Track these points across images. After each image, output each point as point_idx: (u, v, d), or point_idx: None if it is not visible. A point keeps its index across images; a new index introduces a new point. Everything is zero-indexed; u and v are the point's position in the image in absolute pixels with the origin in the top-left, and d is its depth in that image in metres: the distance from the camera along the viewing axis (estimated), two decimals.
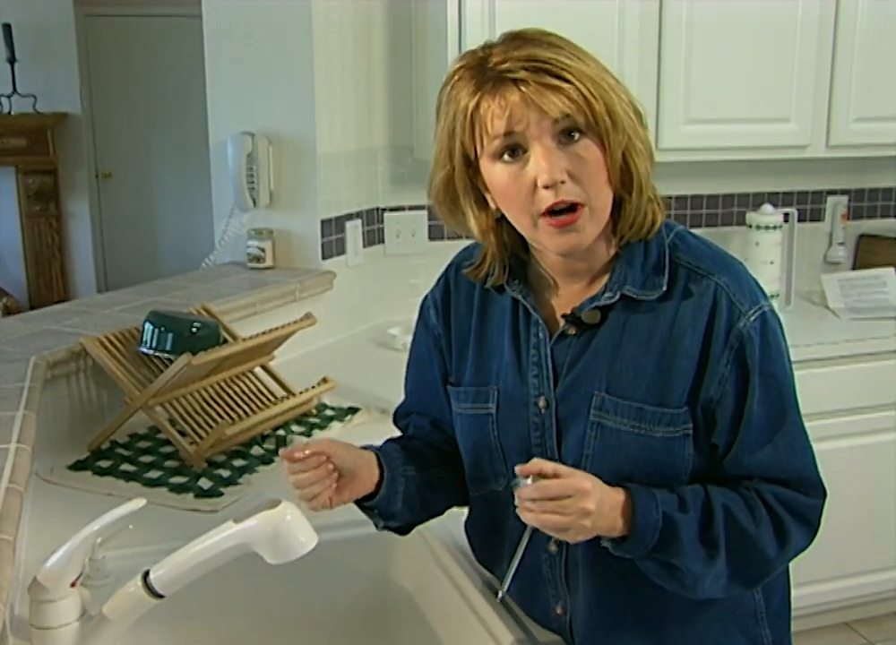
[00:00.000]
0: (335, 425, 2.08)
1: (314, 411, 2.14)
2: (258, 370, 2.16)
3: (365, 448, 1.29)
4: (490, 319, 1.29)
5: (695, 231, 1.28)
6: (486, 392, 1.28)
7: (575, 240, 1.13)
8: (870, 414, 2.84)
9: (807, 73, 2.86)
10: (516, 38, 1.13)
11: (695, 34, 2.74)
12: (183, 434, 1.89)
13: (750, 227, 3.04)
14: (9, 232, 6.38)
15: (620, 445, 1.18)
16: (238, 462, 1.88)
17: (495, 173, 1.14)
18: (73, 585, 1.14)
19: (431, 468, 1.36)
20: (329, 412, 2.16)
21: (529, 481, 1.08)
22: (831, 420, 2.76)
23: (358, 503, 1.30)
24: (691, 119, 2.72)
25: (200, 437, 1.87)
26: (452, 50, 2.54)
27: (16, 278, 6.41)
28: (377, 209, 2.90)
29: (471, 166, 1.17)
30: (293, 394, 2.10)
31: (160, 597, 1.09)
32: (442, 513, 1.42)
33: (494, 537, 1.34)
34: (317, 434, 2.02)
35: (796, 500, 1.19)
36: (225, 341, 2.06)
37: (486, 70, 1.10)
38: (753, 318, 1.16)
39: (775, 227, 3.02)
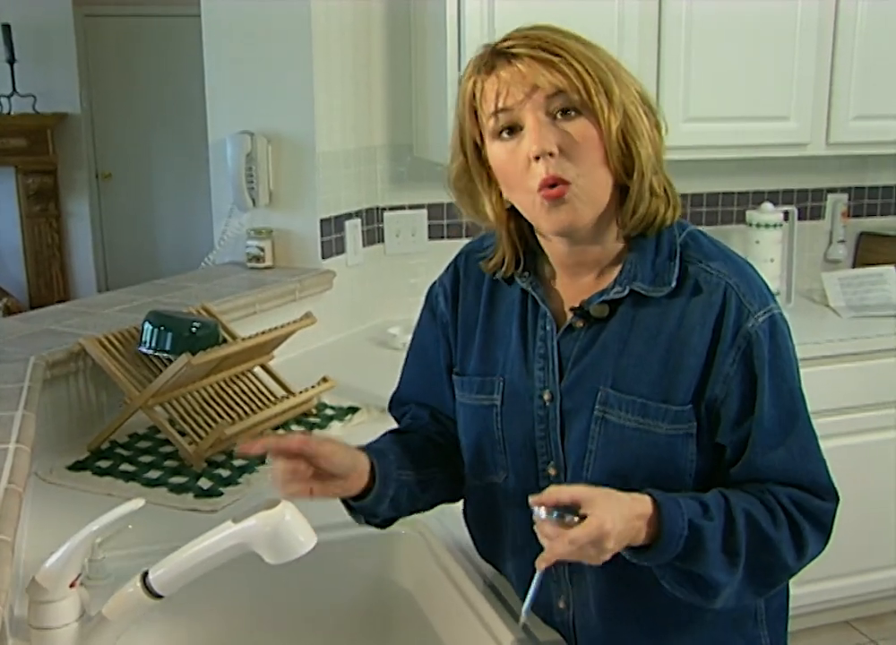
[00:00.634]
0: (335, 424, 2.07)
1: (314, 411, 2.14)
2: (258, 370, 2.16)
3: (364, 447, 1.28)
4: (498, 309, 1.29)
5: None
6: (492, 383, 1.28)
7: (567, 217, 1.13)
8: (871, 412, 2.84)
9: (807, 71, 2.86)
10: (530, 29, 1.15)
11: (694, 32, 2.73)
12: (182, 433, 1.89)
13: (750, 225, 3.05)
14: (9, 232, 6.37)
15: (623, 441, 1.17)
16: (238, 462, 1.88)
17: (495, 151, 1.15)
18: (72, 585, 1.14)
19: (426, 468, 1.35)
20: (329, 411, 2.16)
21: (542, 512, 1.05)
22: (831, 418, 2.75)
23: (343, 500, 1.29)
24: (690, 117, 2.72)
25: (199, 437, 1.87)
26: (451, 49, 2.54)
27: (16, 278, 6.41)
28: (377, 208, 2.90)
29: (481, 152, 1.18)
30: (293, 394, 2.10)
31: (159, 597, 1.08)
32: (429, 510, 1.42)
33: (493, 528, 1.34)
34: (317, 433, 2.02)
35: (812, 504, 1.18)
36: (224, 341, 2.05)
37: (488, 52, 1.14)
38: (761, 319, 1.16)
39: (775, 226, 3.02)
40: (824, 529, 1.20)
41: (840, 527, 2.90)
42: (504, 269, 1.26)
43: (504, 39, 1.13)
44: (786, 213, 3.08)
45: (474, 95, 1.15)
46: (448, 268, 1.37)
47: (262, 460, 1.88)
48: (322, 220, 2.65)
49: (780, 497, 1.16)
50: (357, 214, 2.81)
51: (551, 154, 1.10)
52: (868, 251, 3.44)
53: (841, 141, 2.97)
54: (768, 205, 3.06)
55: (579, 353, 1.21)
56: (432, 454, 1.37)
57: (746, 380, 1.15)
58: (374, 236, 2.90)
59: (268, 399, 2.09)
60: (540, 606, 1.32)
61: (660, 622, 1.25)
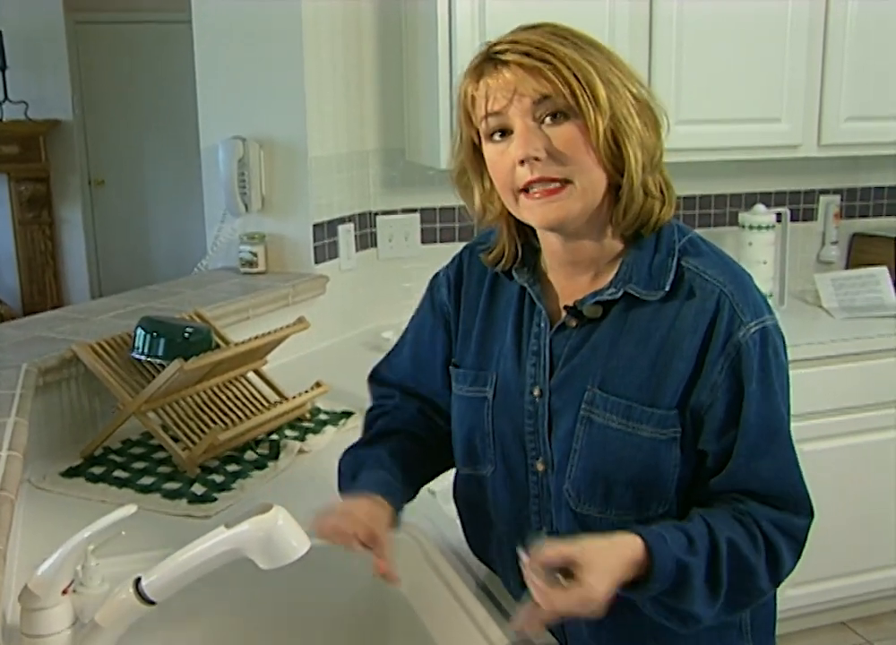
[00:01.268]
0: (329, 429, 2.07)
1: (308, 415, 2.13)
2: (251, 375, 2.15)
3: (377, 489, 1.31)
4: (498, 304, 1.31)
5: None
6: (486, 376, 1.30)
7: (556, 213, 1.14)
8: (864, 413, 2.85)
9: (798, 72, 2.86)
10: (525, 29, 1.16)
11: (685, 35, 2.74)
12: (176, 439, 1.88)
13: (743, 227, 3.05)
14: (2, 239, 6.37)
15: (606, 442, 1.18)
16: (232, 467, 1.87)
17: (488, 152, 1.18)
18: (64, 592, 1.13)
19: (413, 471, 1.39)
20: (323, 416, 2.15)
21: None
22: (824, 420, 2.76)
23: None
24: (682, 120, 2.72)
25: (193, 443, 1.87)
26: (442, 51, 2.54)
27: (9, 285, 6.40)
28: (370, 212, 2.90)
29: (478, 151, 1.21)
30: (286, 399, 2.10)
31: (152, 603, 1.08)
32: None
33: (480, 517, 1.35)
34: (311, 438, 2.02)
35: (790, 523, 1.18)
36: (217, 346, 2.05)
37: (485, 54, 1.16)
38: (753, 330, 1.15)
39: (768, 227, 3.02)
40: (799, 546, 1.20)
41: (836, 527, 2.92)
42: (503, 262, 1.28)
43: (498, 43, 1.14)
44: (778, 215, 3.08)
45: (467, 96, 1.18)
46: (453, 260, 1.40)
47: (255, 465, 1.88)
48: (314, 225, 2.65)
49: (760, 520, 1.16)
50: (350, 219, 2.80)
51: (537, 159, 1.12)
52: (861, 252, 3.44)
53: (833, 143, 2.98)
54: (760, 207, 3.06)
55: (570, 352, 1.22)
56: (417, 456, 1.40)
57: (733, 389, 1.15)
58: (366, 240, 2.90)
59: (261, 404, 2.08)
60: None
61: (644, 629, 1.24)
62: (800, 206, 3.39)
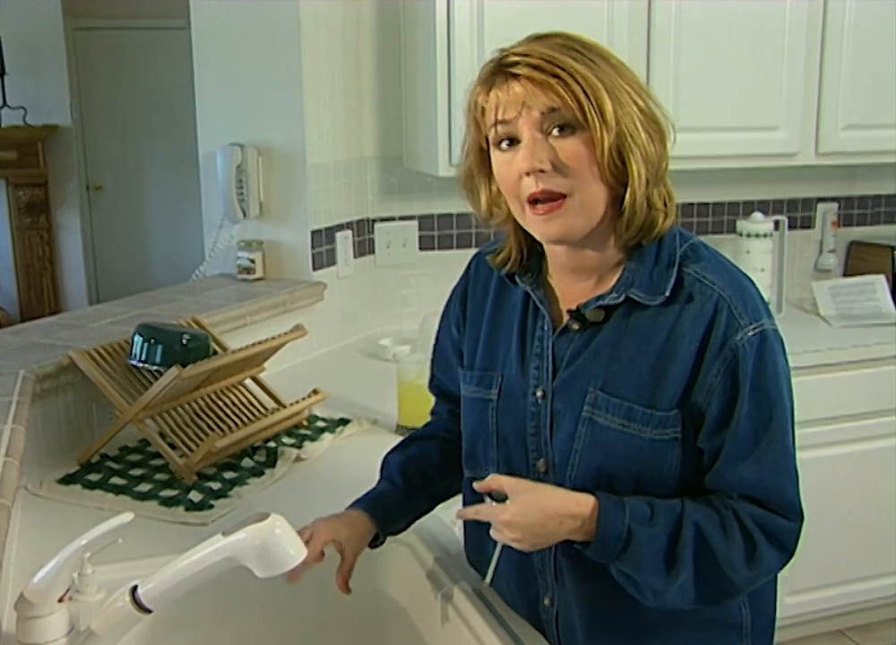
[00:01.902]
0: (326, 436, 2.07)
1: (305, 423, 2.13)
2: (248, 382, 2.15)
3: (366, 502, 1.44)
4: (504, 308, 1.34)
5: None
6: (491, 377, 1.33)
7: (558, 228, 1.17)
8: (862, 421, 2.84)
9: (796, 81, 2.87)
10: (537, 39, 1.18)
11: (683, 44, 2.74)
12: (173, 446, 1.88)
13: (740, 235, 3.05)
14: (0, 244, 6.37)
15: (608, 443, 1.21)
16: (229, 475, 1.87)
17: (495, 160, 1.20)
18: (60, 600, 1.13)
19: (438, 482, 1.49)
20: (320, 423, 2.15)
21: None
22: (821, 428, 2.76)
23: None
24: (680, 128, 2.67)
25: (190, 450, 1.86)
26: (440, 59, 2.54)
27: (7, 290, 6.40)
28: (367, 219, 2.90)
29: (486, 155, 1.23)
30: (283, 406, 2.10)
31: (148, 611, 1.08)
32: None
33: (482, 525, 1.34)
34: (308, 445, 2.01)
35: (774, 522, 1.19)
36: (215, 353, 2.05)
37: (496, 65, 1.17)
38: (750, 333, 1.17)
39: (765, 235, 3.02)
40: (785, 549, 1.21)
41: (832, 536, 2.92)
42: (510, 264, 1.30)
43: (509, 54, 1.16)
44: (776, 223, 3.09)
45: (477, 106, 1.20)
46: (464, 270, 1.44)
47: (252, 472, 1.88)
48: (312, 232, 2.65)
49: (742, 514, 1.18)
50: (348, 225, 2.80)
51: (542, 171, 1.14)
52: (858, 260, 3.44)
53: (831, 151, 2.98)
54: (758, 215, 3.07)
55: (572, 354, 1.25)
56: (444, 465, 1.49)
57: (729, 391, 1.17)
58: (364, 247, 2.90)
59: (259, 411, 2.08)
60: (526, 604, 1.36)
61: (638, 629, 1.28)
62: (798, 214, 3.39)
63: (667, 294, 1.20)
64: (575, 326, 1.25)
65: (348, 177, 2.78)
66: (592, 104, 1.12)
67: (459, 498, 1.49)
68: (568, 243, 1.21)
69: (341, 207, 2.77)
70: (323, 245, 2.69)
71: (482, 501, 1.24)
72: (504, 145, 1.18)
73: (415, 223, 2.95)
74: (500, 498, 1.19)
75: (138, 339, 1.94)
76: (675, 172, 1.26)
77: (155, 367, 1.93)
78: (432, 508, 1.51)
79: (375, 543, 1.44)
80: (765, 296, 2.94)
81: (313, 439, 2.06)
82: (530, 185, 1.15)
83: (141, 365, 1.94)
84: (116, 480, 1.84)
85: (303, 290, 2.60)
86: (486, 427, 1.33)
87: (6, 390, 1.77)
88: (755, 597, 1.32)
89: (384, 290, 2.95)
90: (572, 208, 1.16)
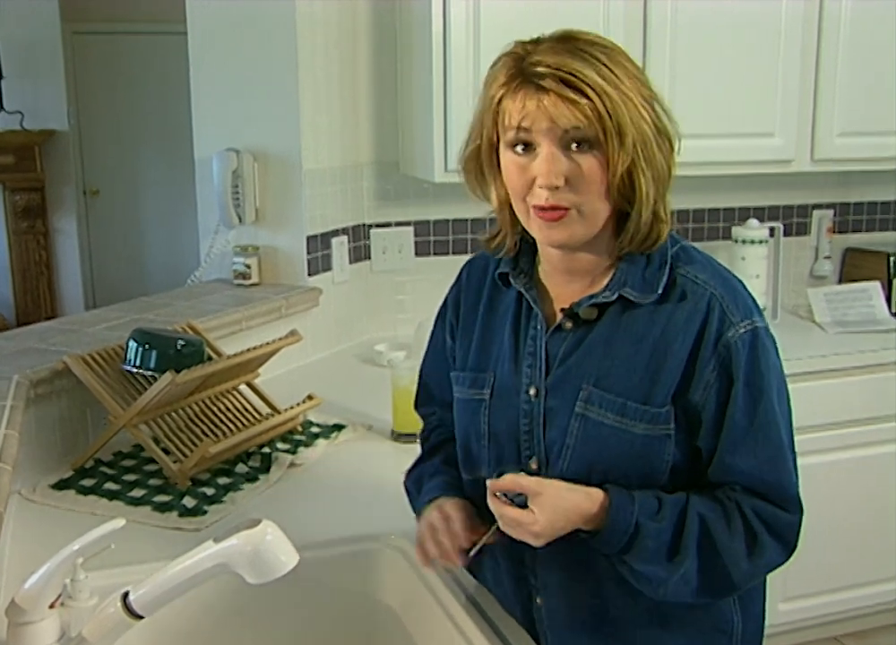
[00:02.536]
0: (321, 442, 2.07)
1: (300, 428, 2.13)
2: (243, 387, 2.15)
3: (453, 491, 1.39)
4: (496, 310, 1.36)
5: None
6: (484, 378, 1.35)
7: (560, 236, 1.21)
8: (857, 427, 2.85)
9: (791, 88, 2.88)
10: (563, 41, 1.19)
11: (679, 50, 2.75)
12: (167, 452, 1.88)
13: (736, 241, 3.05)
14: None
15: (601, 438, 1.23)
16: (223, 480, 1.87)
17: (507, 160, 1.22)
18: (51, 606, 1.13)
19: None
20: (315, 429, 2.15)
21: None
22: (817, 434, 2.76)
23: None
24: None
25: (184, 455, 1.86)
26: (437, 63, 2.55)
27: (3, 295, 6.39)
28: (363, 225, 2.90)
29: (494, 146, 1.24)
30: (278, 411, 2.09)
31: (140, 617, 1.07)
32: None
33: (479, 523, 1.37)
34: (302, 451, 2.01)
35: (774, 515, 1.22)
36: (210, 359, 2.05)
37: (522, 66, 1.17)
38: (742, 330, 1.21)
39: (761, 242, 3.03)
40: (786, 542, 1.24)
41: (827, 542, 2.91)
42: (505, 250, 1.33)
43: (536, 61, 1.15)
44: (771, 229, 3.09)
45: (499, 102, 1.20)
46: (459, 273, 1.47)
47: (246, 478, 1.88)
48: (308, 237, 2.65)
49: (744, 507, 1.21)
50: (344, 231, 2.81)
51: (556, 187, 1.17)
52: (854, 266, 3.45)
53: (826, 158, 2.99)
54: (753, 221, 3.07)
55: (566, 352, 1.27)
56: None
57: (724, 388, 1.21)
58: (360, 253, 2.90)
59: (253, 416, 2.08)
60: (520, 604, 1.38)
61: (624, 628, 1.30)
62: (793, 220, 3.40)
63: (660, 292, 1.23)
64: (569, 324, 1.27)
65: (343, 183, 2.78)
66: (615, 129, 1.15)
67: None
68: (568, 248, 1.24)
69: (337, 213, 2.77)
70: (318, 251, 2.69)
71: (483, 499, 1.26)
72: (518, 149, 1.19)
73: (411, 229, 2.95)
74: (515, 498, 1.19)
75: (133, 344, 1.94)
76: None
77: (150, 373, 1.93)
78: None
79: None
80: (761, 302, 2.95)
81: (307, 445, 2.05)
82: (541, 197, 1.18)
83: (135, 370, 1.94)
84: (109, 485, 1.84)
85: (298, 296, 2.60)
86: (478, 427, 1.34)
87: (0, 395, 1.77)
88: (746, 603, 1.34)
89: (380, 296, 2.95)
90: (574, 218, 1.19)
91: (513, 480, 1.19)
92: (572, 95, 1.14)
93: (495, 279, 1.36)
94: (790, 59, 2.85)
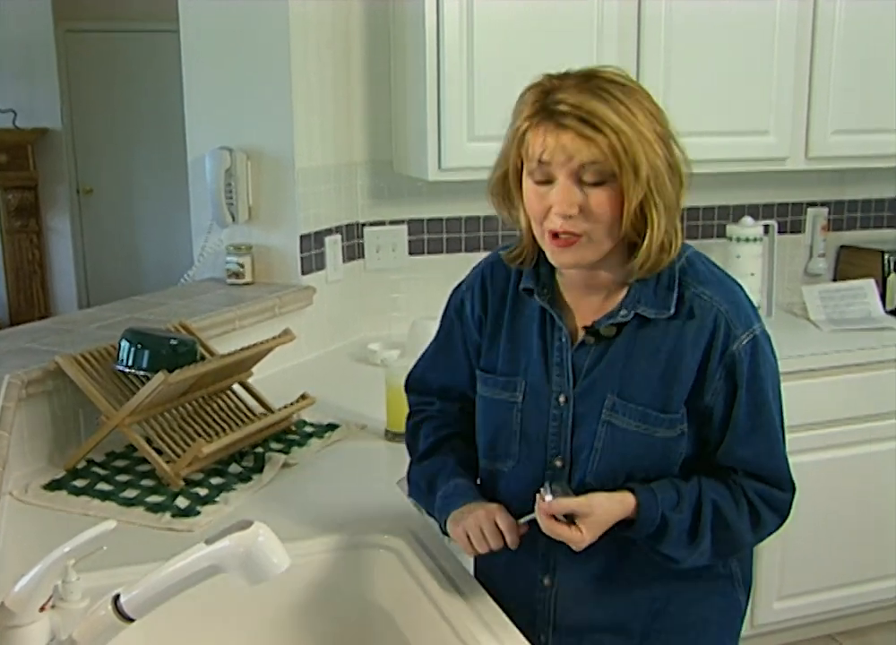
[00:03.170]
0: (314, 441, 2.06)
1: (294, 428, 2.12)
2: (237, 387, 2.14)
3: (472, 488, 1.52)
4: (521, 318, 1.47)
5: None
6: (515, 383, 1.46)
7: (570, 259, 1.33)
8: (851, 426, 2.85)
9: (785, 86, 2.87)
10: (586, 79, 1.29)
11: (673, 47, 2.74)
12: (160, 452, 1.87)
13: (730, 239, 3.05)
14: None
15: (626, 442, 1.38)
16: (216, 480, 1.86)
17: (527, 187, 1.33)
18: (42, 609, 1.12)
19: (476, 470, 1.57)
20: (308, 429, 2.14)
21: (549, 496, 1.32)
22: (810, 432, 2.76)
23: None
24: None
25: (177, 455, 1.85)
26: (430, 62, 2.54)
27: None
28: (357, 224, 2.89)
29: (519, 172, 1.35)
30: (271, 411, 2.09)
31: (131, 620, 1.07)
32: None
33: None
34: (296, 450, 2.01)
35: (772, 495, 1.41)
36: (203, 358, 2.04)
37: (546, 101, 1.28)
38: (745, 341, 1.36)
39: (755, 240, 3.03)
40: (781, 514, 1.43)
41: (822, 540, 2.90)
42: (524, 262, 1.44)
43: (560, 98, 1.26)
44: (766, 227, 3.09)
45: (523, 133, 1.30)
46: (474, 275, 1.55)
47: (240, 478, 1.87)
48: (301, 236, 2.64)
49: (747, 490, 1.40)
50: (337, 230, 2.80)
51: (570, 216, 1.28)
52: (848, 264, 3.44)
53: (821, 156, 2.98)
54: (748, 219, 3.07)
55: (590, 365, 1.41)
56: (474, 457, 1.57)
57: (730, 392, 1.37)
58: (354, 251, 2.89)
59: (246, 416, 2.07)
60: (522, 585, 1.51)
61: (646, 583, 1.46)
62: (788, 218, 3.39)
63: (673, 311, 1.36)
64: (591, 340, 1.40)
65: (337, 181, 2.78)
66: (629, 161, 1.25)
67: None
68: (579, 269, 1.37)
69: (331, 211, 2.76)
70: (312, 250, 2.68)
71: (495, 492, 1.47)
72: (538, 176, 1.30)
73: (404, 227, 2.94)
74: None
75: (125, 344, 1.93)
76: None
77: (142, 373, 1.92)
78: None
79: None
80: (755, 300, 2.97)
81: (301, 444, 2.05)
82: (556, 223, 1.29)
83: (128, 370, 1.93)
84: (102, 486, 1.83)
85: (292, 295, 2.59)
86: (510, 426, 1.47)
87: None
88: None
89: (374, 295, 2.94)
90: (584, 244, 1.31)
91: (567, 505, 1.32)
92: (589, 133, 1.24)
93: (518, 290, 1.46)
94: (785, 57, 2.85)
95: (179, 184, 3.88)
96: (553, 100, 1.26)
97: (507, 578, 1.51)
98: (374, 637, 1.58)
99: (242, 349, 2.04)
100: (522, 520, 1.39)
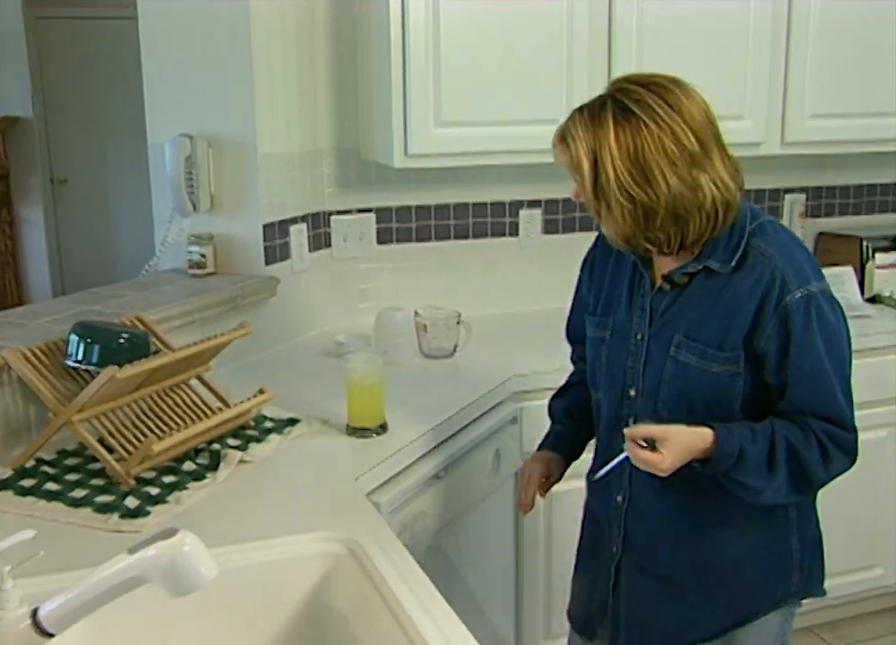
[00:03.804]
0: (273, 437, 1.99)
1: (253, 423, 2.06)
2: (194, 382, 2.07)
3: (553, 442, 1.97)
4: (619, 271, 1.76)
5: None
6: (606, 322, 1.75)
7: (604, 232, 1.62)
8: None
9: (761, 68, 2.81)
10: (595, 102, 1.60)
11: (646, 32, 2.68)
12: (111, 450, 1.81)
13: None
14: None
15: (687, 375, 1.61)
16: (169, 479, 1.80)
17: None
18: None
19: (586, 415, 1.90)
20: (268, 424, 2.07)
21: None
22: None
23: None
24: None
25: (129, 453, 1.79)
26: (395, 50, 2.47)
27: None
28: (323, 212, 2.82)
29: None
30: (228, 406, 2.02)
31: (51, 635, 1.00)
32: None
33: (593, 423, 1.86)
34: (253, 447, 1.94)
35: (837, 434, 1.57)
36: (156, 352, 1.97)
37: None
38: (798, 295, 1.53)
39: None
40: (848, 452, 1.59)
41: None
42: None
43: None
44: None
45: None
46: (595, 240, 1.85)
47: (193, 476, 1.81)
48: (265, 225, 2.56)
49: (815, 428, 1.56)
50: (303, 219, 2.73)
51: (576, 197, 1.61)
52: (827, 251, 3.39)
53: (797, 141, 2.93)
54: None
55: (664, 308, 1.65)
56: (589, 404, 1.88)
57: (783, 339, 1.54)
58: (320, 241, 2.82)
59: (203, 412, 2.01)
60: (600, 499, 1.82)
61: (706, 525, 1.69)
62: (765, 204, 3.33)
63: (734, 264, 1.57)
64: (666, 286, 1.65)
65: (302, 169, 2.70)
66: (584, 162, 1.54)
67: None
68: (615, 243, 1.62)
69: (296, 199, 2.69)
70: (276, 239, 2.61)
71: (598, 418, 1.81)
72: None
73: (372, 216, 2.88)
74: (647, 441, 1.53)
75: (74, 338, 1.86)
76: None
77: (93, 368, 1.85)
78: (592, 435, 1.89)
79: (562, 471, 1.94)
80: None
81: (259, 440, 1.98)
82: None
83: (77, 365, 1.86)
84: (50, 486, 1.76)
85: (255, 285, 2.52)
86: (600, 359, 1.75)
87: None
88: (800, 521, 1.72)
89: (342, 285, 2.87)
90: (602, 221, 1.59)
91: (646, 430, 1.54)
92: (560, 144, 1.60)
93: (620, 251, 1.72)
94: (760, 39, 2.79)
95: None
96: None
97: (592, 496, 1.87)
98: (327, 638, 1.53)
99: (196, 343, 1.97)
100: (603, 471, 1.64)
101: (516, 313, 2.99)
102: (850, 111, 2.94)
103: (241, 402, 2.00)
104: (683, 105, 1.56)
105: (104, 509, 1.67)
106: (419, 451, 2.03)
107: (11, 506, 1.69)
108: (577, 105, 1.60)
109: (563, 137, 1.56)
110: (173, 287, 2.49)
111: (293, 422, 2.08)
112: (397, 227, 2.90)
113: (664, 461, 1.51)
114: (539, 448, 1.96)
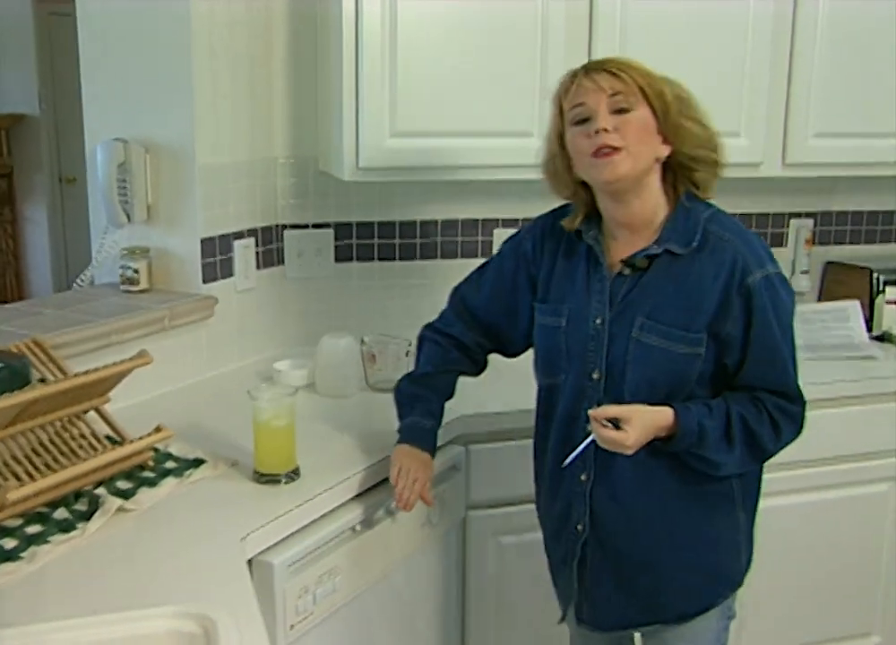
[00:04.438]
0: (169, 481, 1.78)
1: (152, 463, 1.85)
2: (92, 415, 1.87)
3: (426, 439, 1.90)
4: (571, 259, 1.79)
5: None
6: (561, 309, 1.78)
7: (612, 173, 1.61)
8: (824, 467, 2.55)
9: (760, 81, 2.57)
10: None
11: (631, 34, 2.43)
12: None
13: None
14: None
15: (651, 356, 1.67)
16: (33, 529, 1.59)
17: (572, 133, 1.66)
18: None
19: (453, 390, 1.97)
20: (170, 464, 1.86)
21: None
22: (782, 474, 2.43)
23: None
24: None
25: None
26: (347, 51, 2.25)
27: None
28: (276, 226, 2.60)
29: (562, 142, 1.70)
30: (121, 444, 1.81)
31: None
32: None
33: (546, 420, 1.84)
34: (143, 492, 1.73)
35: (787, 407, 1.68)
36: (42, 381, 1.77)
37: (577, 70, 1.67)
38: (759, 277, 1.62)
39: None
40: (796, 423, 1.70)
41: (787, 592, 2.57)
42: (577, 223, 1.77)
43: (588, 66, 1.66)
44: None
45: (561, 96, 1.67)
46: (533, 226, 1.88)
47: (60, 527, 1.60)
48: (203, 240, 2.35)
49: (767, 404, 1.67)
50: (251, 233, 2.51)
51: (606, 130, 1.59)
52: (836, 282, 3.12)
53: (799, 162, 2.67)
54: None
55: (625, 292, 1.70)
56: (453, 381, 1.97)
57: (746, 319, 1.63)
58: (272, 257, 2.60)
59: (94, 449, 1.80)
60: (566, 481, 1.80)
61: (661, 502, 1.74)
62: (768, 230, 3.08)
63: (695, 244, 1.65)
64: (627, 271, 1.70)
65: (251, 179, 2.49)
66: (652, 90, 1.61)
67: None
68: (618, 186, 1.64)
69: (243, 212, 2.47)
70: (217, 255, 2.39)
71: (553, 403, 1.81)
72: (578, 118, 1.63)
73: (330, 231, 2.65)
74: (610, 422, 1.60)
75: None
76: None
77: None
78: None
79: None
80: None
81: (152, 484, 1.77)
82: (597, 141, 1.60)
83: None
84: None
85: (188, 305, 2.30)
86: (559, 345, 1.77)
87: None
88: (743, 476, 1.77)
89: (293, 306, 2.65)
90: (623, 158, 1.60)
91: (610, 410, 1.61)
92: (616, 73, 1.60)
93: (570, 235, 1.79)
94: (759, 49, 2.54)
95: None
96: (586, 66, 1.65)
97: (554, 480, 1.83)
98: None
99: (87, 372, 1.75)
100: (569, 459, 1.69)
101: None
102: (859, 131, 2.68)
103: (132, 441, 1.79)
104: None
105: None
106: (334, 502, 1.82)
107: None
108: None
109: (602, 67, 1.62)
110: (98, 304, 2.28)
111: (198, 463, 1.87)
112: (358, 243, 2.68)
113: (629, 439, 1.59)
114: (411, 439, 1.87)
